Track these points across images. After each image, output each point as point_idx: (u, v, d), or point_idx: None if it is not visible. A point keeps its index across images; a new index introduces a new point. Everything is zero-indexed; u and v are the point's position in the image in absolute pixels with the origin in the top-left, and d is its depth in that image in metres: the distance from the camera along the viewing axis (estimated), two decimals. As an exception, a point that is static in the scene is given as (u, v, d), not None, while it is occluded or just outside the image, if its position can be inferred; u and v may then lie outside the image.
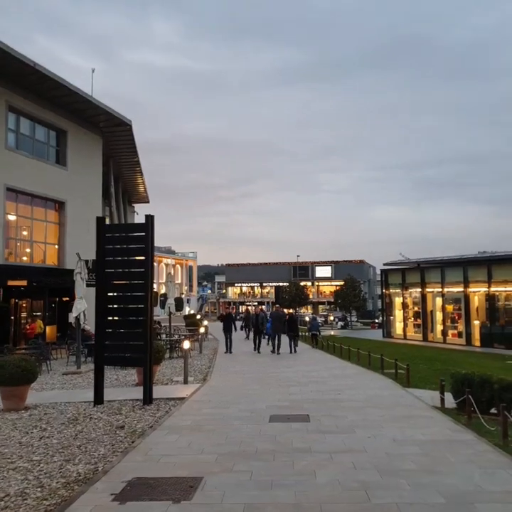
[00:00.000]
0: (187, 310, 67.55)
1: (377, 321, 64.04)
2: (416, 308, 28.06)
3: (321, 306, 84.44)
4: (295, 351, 18.61)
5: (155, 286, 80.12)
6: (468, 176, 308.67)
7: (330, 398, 9.27)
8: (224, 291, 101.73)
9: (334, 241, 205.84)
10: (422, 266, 27.79)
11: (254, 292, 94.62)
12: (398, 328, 29.15)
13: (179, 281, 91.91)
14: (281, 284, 66.02)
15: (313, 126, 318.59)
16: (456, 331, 25.28)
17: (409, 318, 28.51)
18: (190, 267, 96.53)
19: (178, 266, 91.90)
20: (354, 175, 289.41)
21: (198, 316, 38.79)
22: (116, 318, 9.96)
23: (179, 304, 71.19)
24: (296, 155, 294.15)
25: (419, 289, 27.41)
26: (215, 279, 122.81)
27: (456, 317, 25.57)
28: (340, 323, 54.97)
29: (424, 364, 15.63)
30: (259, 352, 18.57)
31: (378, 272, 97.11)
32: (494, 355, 19.56)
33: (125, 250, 10.22)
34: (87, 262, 23.87)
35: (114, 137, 28.08)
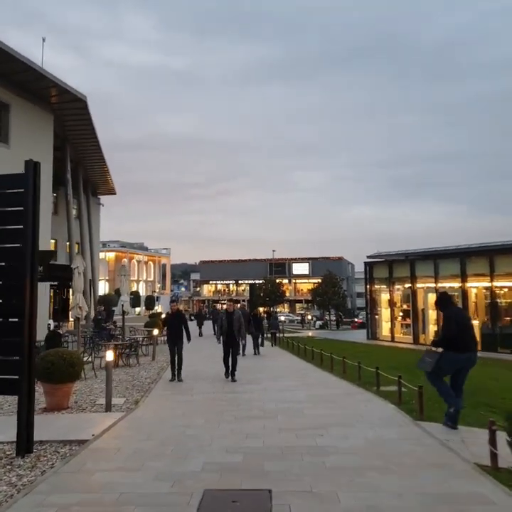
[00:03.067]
0: (158, 309, 63.47)
1: (356, 320, 61.34)
2: (405, 306, 25.00)
3: (298, 305, 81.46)
4: (259, 352, 17.49)
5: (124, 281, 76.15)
6: (443, 174, 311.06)
7: (308, 446, 5.85)
8: (198, 289, 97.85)
9: (312, 239, 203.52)
10: (411, 258, 24.74)
11: (229, 290, 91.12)
12: (385, 328, 26.06)
13: (152, 279, 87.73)
14: (256, 281, 62.62)
15: (290, 123, 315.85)
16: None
17: (398, 318, 25.43)
18: (164, 265, 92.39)
19: (150, 263, 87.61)
20: (331, 173, 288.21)
21: (163, 316, 35.12)
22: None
23: (151, 302, 67.38)
24: (273, 152, 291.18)
25: (409, 284, 24.36)
26: (190, 277, 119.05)
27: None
28: (318, 323, 51.87)
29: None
30: (232, 378, 11.11)
31: (357, 269, 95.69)
32: (504, 362, 16.53)
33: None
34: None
35: (68, 116, 24.35)
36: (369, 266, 27.01)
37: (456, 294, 22.51)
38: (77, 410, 8.21)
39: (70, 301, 16.10)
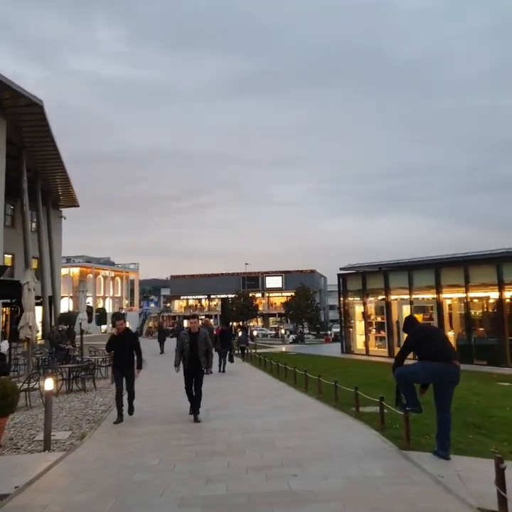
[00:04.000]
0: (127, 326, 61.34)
1: (329, 333, 60.79)
2: (379, 319, 24.36)
3: (271, 319, 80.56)
4: (224, 370, 16.75)
5: (90, 300, 73.56)
6: (418, 188, 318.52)
7: (280, 491, 4.84)
8: (169, 304, 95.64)
9: (286, 252, 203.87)
10: (384, 269, 24.20)
11: (201, 305, 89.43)
12: (359, 342, 25.32)
13: (119, 295, 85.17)
14: (228, 296, 61.39)
15: (266, 137, 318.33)
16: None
17: (372, 331, 24.76)
18: (132, 280, 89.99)
19: (117, 278, 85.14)
20: (307, 186, 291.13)
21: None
22: None
23: (118, 319, 65.05)
24: (248, 166, 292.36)
25: (383, 296, 23.76)
26: (161, 293, 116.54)
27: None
28: (292, 337, 50.96)
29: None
30: (195, 417, 8.43)
31: (329, 282, 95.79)
32: (480, 374, 15.92)
33: None
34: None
35: (23, 122, 22.92)
36: (342, 278, 26.34)
37: (430, 305, 22.04)
38: (9, 450, 6.96)
39: (23, 319, 14.67)
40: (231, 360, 17.82)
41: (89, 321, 62.83)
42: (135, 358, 9.09)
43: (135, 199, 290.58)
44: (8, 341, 28.30)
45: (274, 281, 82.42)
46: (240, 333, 28.47)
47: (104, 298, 79.10)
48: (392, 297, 23.44)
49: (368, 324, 24.83)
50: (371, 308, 24.92)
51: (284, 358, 22.00)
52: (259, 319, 73.21)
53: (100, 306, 72.66)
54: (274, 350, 30.01)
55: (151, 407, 10.05)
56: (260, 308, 71.31)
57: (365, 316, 24.88)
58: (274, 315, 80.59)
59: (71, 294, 73.21)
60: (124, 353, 8.93)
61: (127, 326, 9.60)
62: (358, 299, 25.50)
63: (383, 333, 23.99)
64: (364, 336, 24.91)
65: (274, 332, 62.89)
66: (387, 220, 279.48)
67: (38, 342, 26.35)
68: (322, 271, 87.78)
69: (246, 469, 5.55)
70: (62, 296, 70.09)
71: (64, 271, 71.86)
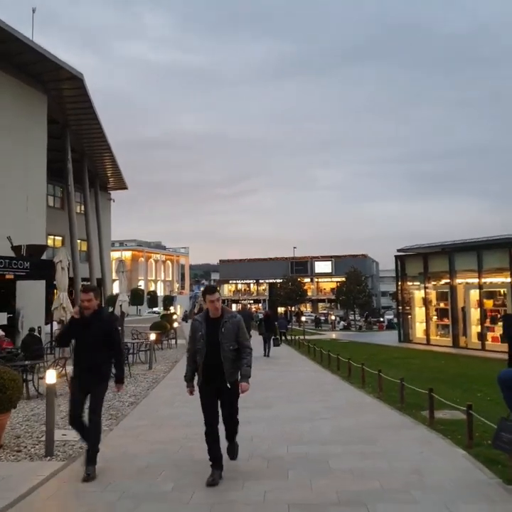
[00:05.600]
0: (177, 309, 61.58)
1: (382, 320, 57.99)
2: (442, 305, 22.00)
3: (320, 304, 78.41)
4: (269, 354, 16.55)
5: (142, 283, 74.53)
6: (466, 169, 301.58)
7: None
8: (218, 288, 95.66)
9: (334, 237, 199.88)
10: (449, 250, 21.70)
11: (250, 289, 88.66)
12: (419, 330, 23.08)
13: (170, 279, 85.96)
14: (277, 280, 59.91)
15: (308, 120, 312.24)
16: (497, 334, 19.20)
17: (433, 318, 22.44)
18: (182, 265, 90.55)
19: (168, 262, 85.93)
20: (352, 169, 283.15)
21: (175, 317, 32.93)
22: None
23: (169, 302, 65.47)
24: (292, 150, 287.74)
25: (447, 280, 21.37)
26: (211, 277, 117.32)
27: (498, 315, 19.50)
28: (342, 323, 48.78)
29: (492, 396, 9.47)
30: (230, 455, 5.28)
31: (381, 267, 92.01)
32: None
33: None
34: (19, 247, 18.10)
35: (65, 98, 22.21)
36: (400, 260, 24.05)
37: (502, 289, 19.49)
38: (8, 453, 5.80)
39: (57, 300, 13.85)
40: (276, 344, 17.88)
41: (134, 303, 63.55)
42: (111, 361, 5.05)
43: (183, 185, 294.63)
44: (57, 322, 28.45)
45: (323, 266, 79.97)
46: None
47: (155, 281, 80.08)
48: (458, 281, 21.01)
49: (428, 311, 22.53)
50: (433, 293, 22.57)
51: (335, 346, 20.29)
52: (308, 304, 71.32)
53: (152, 289, 73.57)
54: (324, 337, 28.28)
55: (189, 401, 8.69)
56: (309, 293, 69.40)
57: (426, 301, 22.58)
58: (323, 301, 78.42)
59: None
60: (89, 350, 4.85)
61: (99, 304, 5.05)
62: (418, 283, 23.19)
63: (447, 321, 21.65)
64: (425, 324, 22.65)
65: (323, 318, 60.96)
66: (439, 202, 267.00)
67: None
68: (373, 255, 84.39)
69: (288, 507, 3.99)
70: (114, 280, 71.87)
71: (116, 254, 73.32)
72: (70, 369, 12.75)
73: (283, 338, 23.44)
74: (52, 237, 30.72)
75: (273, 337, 17.28)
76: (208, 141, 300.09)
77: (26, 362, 10.25)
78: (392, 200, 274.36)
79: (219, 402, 4.80)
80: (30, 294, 18.35)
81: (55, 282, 15.87)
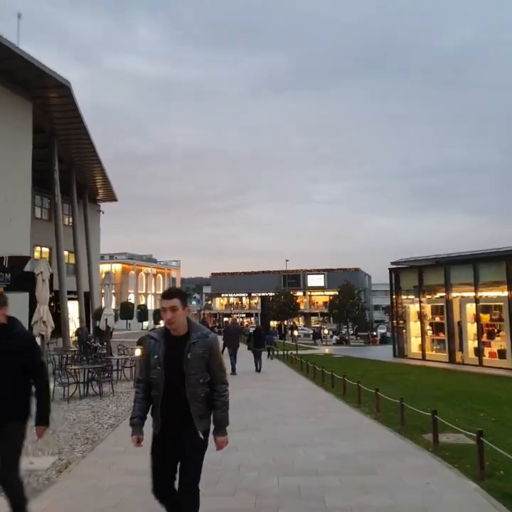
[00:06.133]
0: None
1: (375, 333, 57.39)
2: (438, 319, 21.51)
3: (313, 318, 77.79)
4: (260, 370, 16.23)
5: (132, 297, 73.38)
6: (462, 185, 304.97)
7: None
8: (210, 302, 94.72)
9: (328, 251, 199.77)
10: (444, 263, 21.28)
11: (242, 303, 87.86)
12: (414, 345, 22.54)
13: (161, 292, 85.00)
14: (269, 294, 59.27)
15: (303, 134, 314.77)
16: (495, 350, 18.72)
17: (429, 332, 21.94)
18: (173, 278, 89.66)
19: (159, 275, 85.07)
20: (347, 184, 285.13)
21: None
22: None
23: (159, 316, 64.44)
24: (287, 164, 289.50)
25: (443, 294, 20.93)
26: (203, 291, 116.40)
27: (495, 330, 19.05)
28: (335, 338, 48.07)
29: (496, 417, 8.89)
30: None
31: (374, 281, 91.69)
32: None
33: None
34: (1, 259, 17.43)
35: (52, 107, 21.71)
36: (394, 273, 23.61)
37: (499, 303, 19.05)
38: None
39: (37, 314, 13.14)
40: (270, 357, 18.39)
41: (124, 317, 62.18)
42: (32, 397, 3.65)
43: (176, 199, 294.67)
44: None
45: (316, 280, 79.58)
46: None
47: (146, 295, 79.06)
48: (454, 294, 20.57)
49: (424, 325, 22.03)
50: (428, 307, 22.09)
51: (329, 362, 19.68)
52: (300, 318, 70.65)
53: (142, 303, 72.49)
54: (317, 352, 27.64)
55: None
56: (302, 306, 68.78)
57: (421, 315, 22.09)
58: (316, 314, 77.78)
59: (113, 291, 73.63)
60: None
61: (9, 316, 3.71)
62: (413, 296, 22.72)
63: (442, 336, 21.14)
64: (420, 339, 22.13)
65: (315, 332, 60.17)
66: (434, 218, 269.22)
67: (72, 339, 25.27)
68: (366, 269, 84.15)
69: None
70: (103, 293, 70.76)
71: (106, 267, 72.28)
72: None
73: (270, 352, 23.75)
74: (39, 248, 30.02)
75: (264, 351, 17.07)
76: (201, 155, 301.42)
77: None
78: (387, 215, 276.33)
79: (177, 462, 3.23)
80: (12, 307, 17.51)
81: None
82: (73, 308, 30.12)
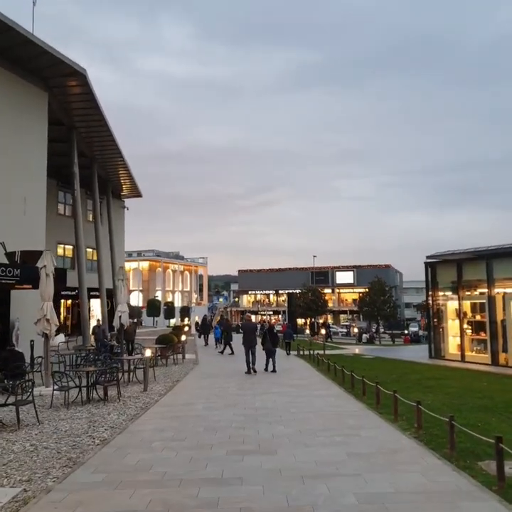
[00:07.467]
0: (193, 321, 59.90)
1: (406, 332, 55.12)
2: (479, 317, 19.64)
3: (342, 316, 75.89)
4: (274, 370, 15.27)
5: (159, 294, 73.26)
6: (494, 180, 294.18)
7: None
8: (237, 299, 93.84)
9: (356, 248, 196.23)
10: (487, 256, 19.36)
11: (269, 300, 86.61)
12: (452, 345, 20.71)
13: (188, 289, 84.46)
14: (296, 290, 57.75)
15: (331, 131, 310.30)
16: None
17: (468, 332, 20.08)
18: (201, 276, 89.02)
19: (186, 273, 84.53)
20: (375, 180, 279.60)
21: (186, 328, 31.17)
22: None
23: (185, 313, 63.91)
24: (314, 161, 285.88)
25: (484, 290, 19.04)
26: (230, 288, 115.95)
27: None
28: (364, 336, 46.15)
29: None
30: None
31: (405, 278, 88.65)
32: None
33: None
34: (13, 254, 16.71)
35: (68, 96, 20.89)
36: (431, 268, 21.76)
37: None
38: None
39: (40, 311, 12.18)
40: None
41: (151, 314, 61.93)
42: None
43: (203, 198, 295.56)
44: (64, 335, 26.96)
45: (345, 277, 77.57)
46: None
47: (173, 292, 78.70)
48: (496, 290, 18.66)
49: (463, 324, 20.19)
50: (467, 304, 20.23)
51: (359, 364, 18.16)
52: (329, 316, 68.83)
53: (169, 300, 72.14)
54: (346, 352, 26.05)
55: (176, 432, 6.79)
56: (330, 304, 66.99)
57: (460, 313, 20.24)
58: (345, 312, 75.78)
59: (141, 288, 73.41)
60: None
61: None
62: (451, 292, 20.88)
63: (484, 335, 19.27)
64: (459, 338, 20.29)
65: (345, 330, 58.35)
66: (464, 213, 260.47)
67: (92, 337, 24.57)
68: (396, 266, 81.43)
69: None
70: (131, 290, 70.56)
71: (133, 264, 72.35)
72: (41, 392, 11.06)
73: (288, 349, 23.21)
74: (62, 245, 29.51)
75: (275, 351, 15.89)
76: (229, 154, 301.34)
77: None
78: (416, 211, 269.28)
79: None
80: (26, 303, 16.83)
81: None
82: (97, 306, 29.53)
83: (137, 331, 32.98)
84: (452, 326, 20.79)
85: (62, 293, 25.82)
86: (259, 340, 17.14)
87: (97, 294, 28.55)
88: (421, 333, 49.18)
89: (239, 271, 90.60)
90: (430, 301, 22.05)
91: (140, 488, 4.84)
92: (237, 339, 21.36)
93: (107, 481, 5.08)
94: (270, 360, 15.50)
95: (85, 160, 25.78)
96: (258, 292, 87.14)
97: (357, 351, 27.36)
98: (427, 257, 21.83)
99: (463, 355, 19.87)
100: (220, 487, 4.83)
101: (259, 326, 27.88)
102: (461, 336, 20.18)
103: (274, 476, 5.20)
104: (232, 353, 21.59)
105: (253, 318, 65.40)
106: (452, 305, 20.79)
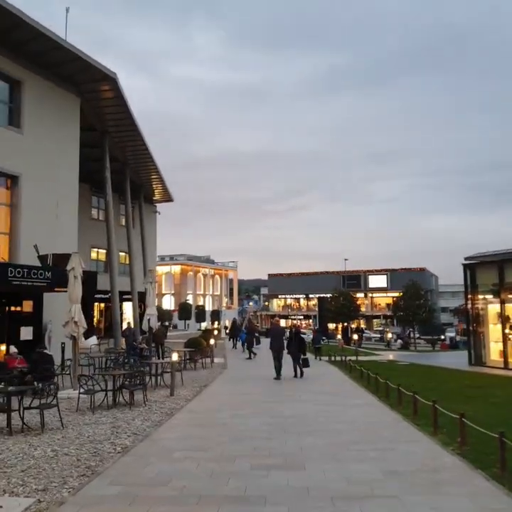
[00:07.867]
0: (223, 324, 59.91)
1: (443, 337, 53.19)
2: (524, 322, 18.52)
3: (375, 321, 74.18)
4: (301, 375, 14.89)
5: (190, 298, 73.80)
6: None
7: None
8: (267, 303, 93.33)
9: (389, 252, 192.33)
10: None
11: (300, 304, 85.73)
12: (493, 351, 19.63)
13: (218, 293, 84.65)
14: (327, 295, 56.80)
15: (361, 133, 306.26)
16: None
17: (511, 337, 18.95)
18: (231, 280, 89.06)
19: (217, 277, 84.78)
20: (407, 182, 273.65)
21: (215, 332, 31.01)
22: None
23: (216, 317, 64.01)
24: (345, 164, 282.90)
25: (529, 293, 17.96)
26: (260, 292, 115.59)
27: None
28: (399, 342, 44.73)
29: None
30: None
31: (441, 282, 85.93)
32: None
33: None
34: (45, 257, 16.91)
35: (99, 101, 21.10)
36: (470, 269, 20.73)
37: None
38: None
39: (68, 313, 12.12)
40: (306, 365, 15.39)
41: (182, 317, 62.19)
42: None
43: (234, 203, 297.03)
44: (96, 337, 27.19)
45: (377, 280, 75.90)
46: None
47: (204, 295, 79.02)
48: (543, 294, 17.56)
49: (505, 328, 19.09)
50: (510, 307, 19.12)
51: (394, 371, 17.40)
52: (361, 320, 67.39)
53: (200, 303, 72.50)
54: (380, 359, 25.18)
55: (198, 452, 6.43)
56: (363, 309, 65.56)
57: (503, 317, 19.15)
58: (378, 317, 74.07)
59: (173, 291, 74.07)
60: None
61: None
62: (492, 296, 19.80)
63: (529, 342, 18.14)
64: (501, 344, 19.20)
65: (379, 335, 56.91)
66: (501, 215, 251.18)
67: (122, 340, 24.68)
68: (432, 270, 79.06)
69: None
70: (163, 294, 71.29)
71: (166, 268, 73.11)
72: (69, 394, 10.92)
73: (318, 353, 23.03)
74: (95, 249, 29.87)
75: (302, 357, 15.09)
76: (259, 158, 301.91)
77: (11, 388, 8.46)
78: (451, 213, 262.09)
79: None
80: (58, 305, 16.92)
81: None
82: (129, 309, 29.72)
83: (168, 333, 33.07)
84: (494, 331, 19.71)
85: (96, 296, 26.08)
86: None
87: (130, 297, 28.71)
88: (458, 338, 47.34)
89: (269, 275, 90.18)
90: (469, 305, 20.99)
91: (155, 505, 4.48)
92: (265, 344, 20.98)
93: (121, 495, 4.74)
94: (297, 365, 14.99)
95: (118, 165, 25.96)
96: (288, 296, 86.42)
97: (391, 357, 26.43)
98: (466, 259, 20.82)
99: (506, 362, 18.79)
100: (241, 506, 4.42)
101: (288, 331, 27.35)
102: (504, 342, 19.09)
103: (301, 495, 4.74)
104: (250, 357, 21.81)
105: (283, 322, 64.79)
106: (493, 309, 19.71)
